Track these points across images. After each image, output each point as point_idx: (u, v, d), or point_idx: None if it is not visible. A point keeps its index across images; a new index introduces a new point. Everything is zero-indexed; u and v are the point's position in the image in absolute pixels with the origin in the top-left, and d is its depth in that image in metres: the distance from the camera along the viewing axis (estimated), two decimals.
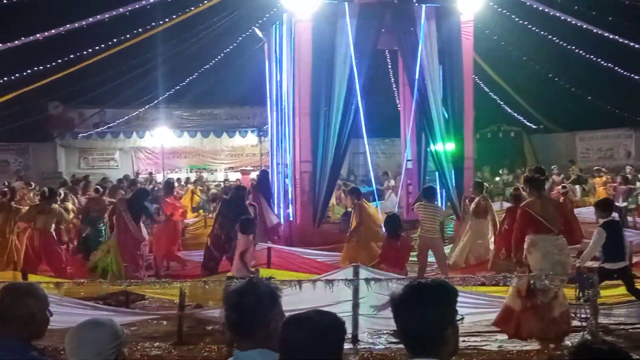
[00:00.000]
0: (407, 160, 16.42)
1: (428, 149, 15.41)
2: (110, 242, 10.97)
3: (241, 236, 8.71)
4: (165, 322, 8.51)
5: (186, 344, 7.54)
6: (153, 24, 18.29)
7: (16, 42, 15.48)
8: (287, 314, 2.53)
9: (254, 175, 24.30)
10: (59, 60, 18.87)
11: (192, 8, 17.83)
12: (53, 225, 11.27)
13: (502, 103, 27.01)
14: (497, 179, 24.16)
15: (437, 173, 15.33)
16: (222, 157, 30.26)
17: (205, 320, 8.13)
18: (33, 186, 18.46)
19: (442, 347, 2.22)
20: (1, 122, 23.59)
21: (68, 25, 15.40)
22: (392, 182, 20.46)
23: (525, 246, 7.77)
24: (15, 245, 11.62)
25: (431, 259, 10.73)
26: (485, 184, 12.99)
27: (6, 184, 17.36)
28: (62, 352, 6.29)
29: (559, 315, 7.20)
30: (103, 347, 2.69)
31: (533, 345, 7.31)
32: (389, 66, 22.27)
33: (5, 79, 18.65)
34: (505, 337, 7.52)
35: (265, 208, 13.20)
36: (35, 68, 19.05)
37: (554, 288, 7.20)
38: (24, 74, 19.04)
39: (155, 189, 19.97)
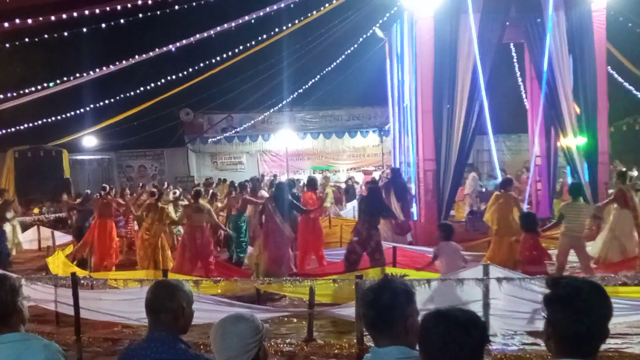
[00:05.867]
0: (536, 157, 15.84)
1: (558, 144, 14.79)
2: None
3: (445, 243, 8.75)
4: (295, 320, 8.71)
5: (317, 341, 7.68)
6: (277, 29, 18.76)
7: (151, 53, 16.43)
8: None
9: (376, 174, 24.40)
10: (190, 70, 19.79)
11: (314, 12, 18.10)
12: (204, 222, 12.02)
13: (638, 94, 25.26)
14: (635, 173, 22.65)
15: (568, 169, 14.70)
16: (344, 158, 30.61)
17: (336, 318, 8.21)
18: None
19: (597, 349, 2.14)
20: (138, 130, 25.18)
21: (197, 36, 16.13)
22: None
23: None
24: (160, 245, 12.36)
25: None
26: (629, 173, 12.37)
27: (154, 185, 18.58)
28: (201, 346, 6.68)
29: None
30: (245, 340, 2.77)
31: None
32: (514, 60, 21.58)
33: (142, 89, 19.88)
34: None
35: (395, 206, 13.23)
36: (168, 78, 20.10)
37: None
38: (158, 83, 20.18)
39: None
